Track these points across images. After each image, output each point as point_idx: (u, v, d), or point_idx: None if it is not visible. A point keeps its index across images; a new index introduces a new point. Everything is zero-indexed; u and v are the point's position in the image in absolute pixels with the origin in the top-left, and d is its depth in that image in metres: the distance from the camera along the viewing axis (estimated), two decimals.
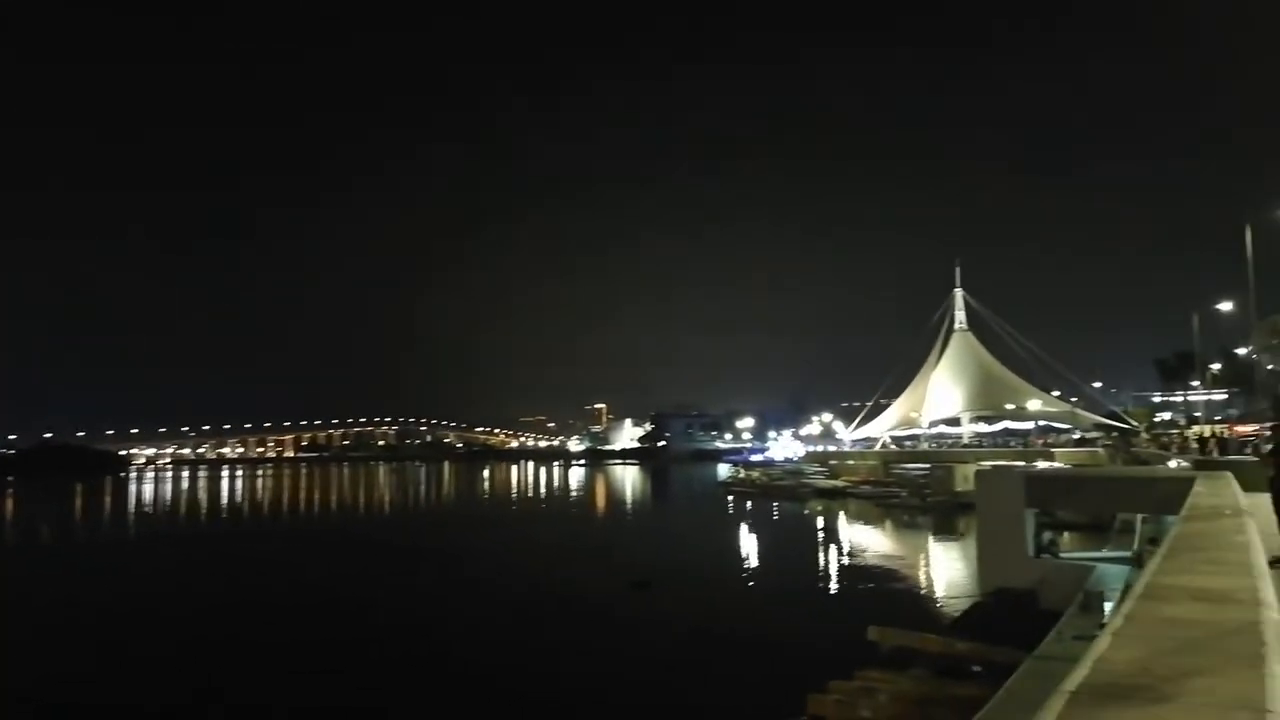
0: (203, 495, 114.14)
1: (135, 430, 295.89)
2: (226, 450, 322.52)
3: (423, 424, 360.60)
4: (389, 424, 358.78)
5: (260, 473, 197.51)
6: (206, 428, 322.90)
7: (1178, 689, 3.06)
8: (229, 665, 22.71)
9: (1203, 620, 4.21)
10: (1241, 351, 68.33)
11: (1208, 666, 3.33)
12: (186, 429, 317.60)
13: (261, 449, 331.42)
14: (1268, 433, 14.09)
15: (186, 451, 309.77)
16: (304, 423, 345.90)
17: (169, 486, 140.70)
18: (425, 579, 37.21)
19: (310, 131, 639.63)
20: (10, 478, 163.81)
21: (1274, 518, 12.41)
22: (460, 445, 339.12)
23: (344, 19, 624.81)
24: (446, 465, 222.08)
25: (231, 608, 31.16)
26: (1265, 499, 12.69)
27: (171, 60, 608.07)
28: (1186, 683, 3.14)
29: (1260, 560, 6.42)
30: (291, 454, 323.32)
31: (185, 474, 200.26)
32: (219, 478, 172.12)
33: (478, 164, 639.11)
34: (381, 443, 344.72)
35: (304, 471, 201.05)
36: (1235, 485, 14.69)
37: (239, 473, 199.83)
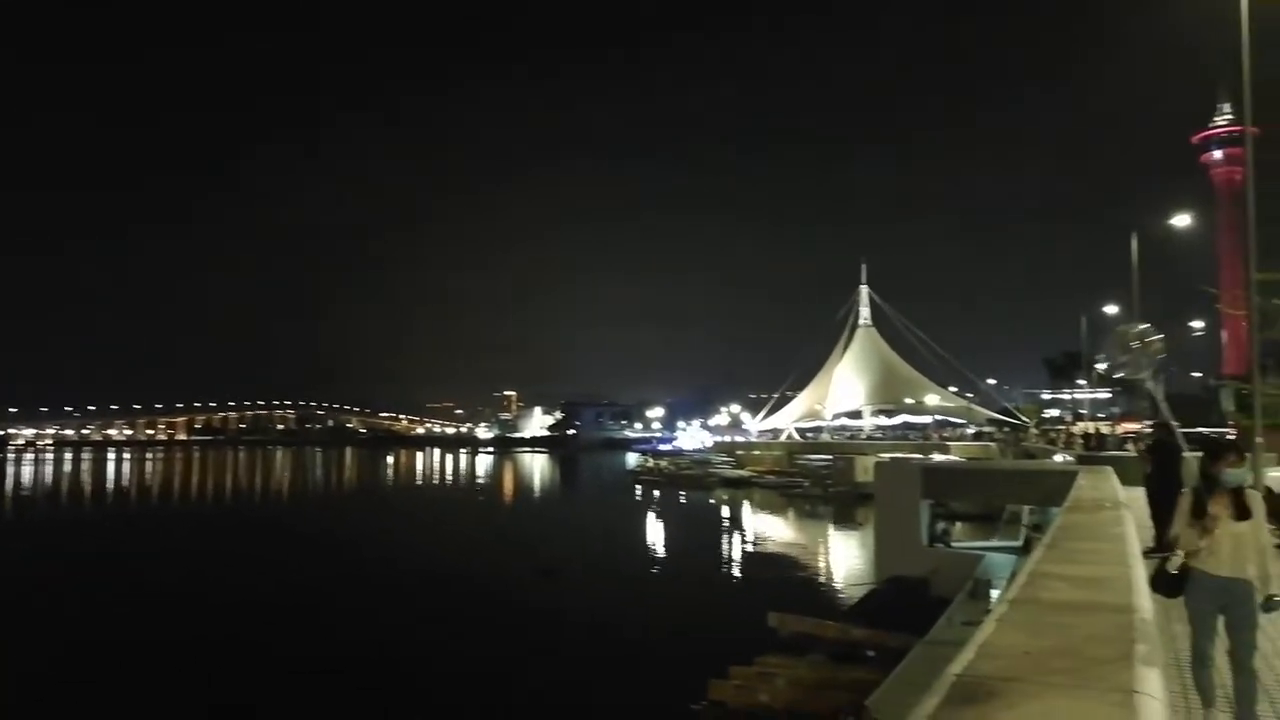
0: (87, 479, 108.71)
1: (14, 410, 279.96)
2: (114, 432, 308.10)
3: (323, 408, 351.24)
4: (288, 408, 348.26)
5: (149, 456, 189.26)
6: (93, 408, 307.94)
7: (1055, 672, 3.20)
8: (101, 661, 21.74)
9: (1080, 606, 4.42)
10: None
11: (1083, 650, 3.49)
12: (71, 409, 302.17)
13: (151, 431, 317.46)
14: (1148, 429, 14.87)
15: (70, 433, 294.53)
16: (197, 404, 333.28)
17: (50, 469, 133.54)
18: (323, 566, 36.27)
19: (219, 112, 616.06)
20: None
21: (1149, 510, 13.15)
22: (363, 431, 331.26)
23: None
24: (349, 451, 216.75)
25: (105, 599, 29.81)
26: (1141, 492, 13.42)
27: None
28: (1063, 665, 3.29)
29: (1135, 550, 6.77)
30: (184, 437, 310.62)
31: (69, 456, 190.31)
32: (104, 460, 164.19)
33: (385, 159, 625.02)
34: (280, 427, 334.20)
35: (196, 455, 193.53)
36: (1115, 479, 15.46)
37: (126, 456, 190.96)
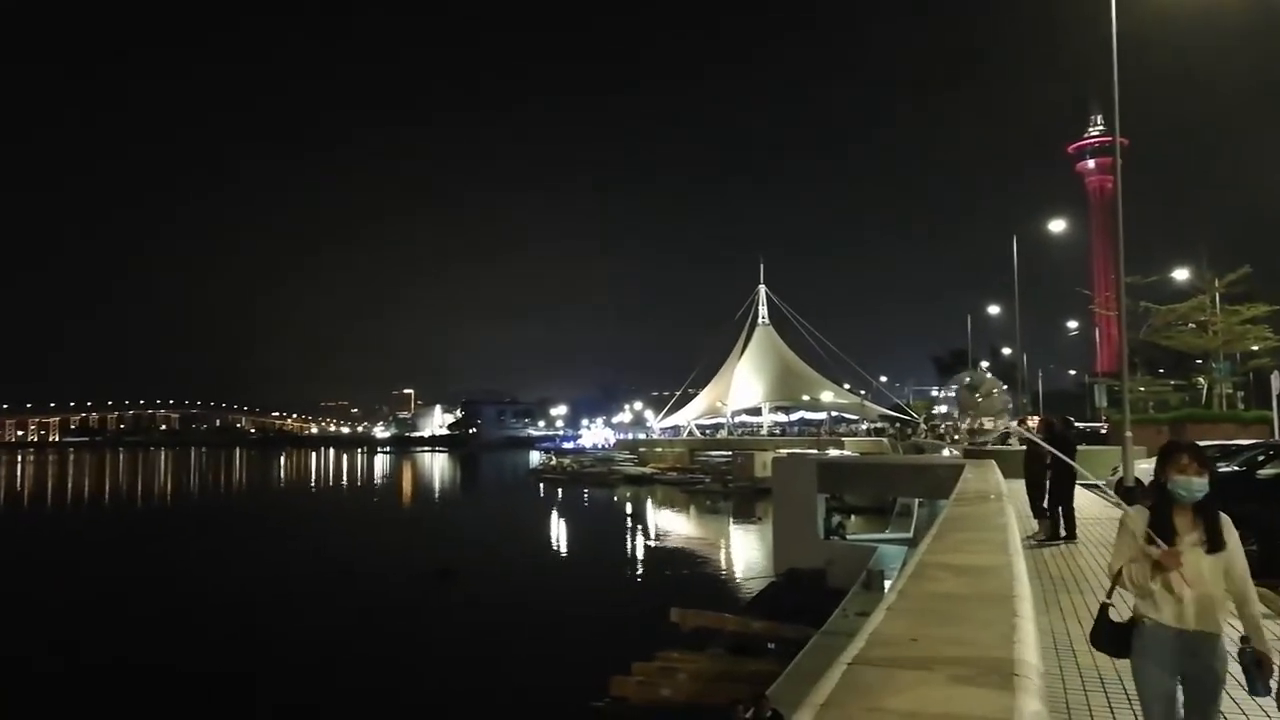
0: None
1: None
2: None
3: (210, 407, 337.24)
4: (172, 407, 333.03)
5: (20, 458, 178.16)
6: None
7: (940, 656, 3.34)
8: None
9: (965, 594, 4.61)
10: (1007, 351, 75.53)
11: (967, 635, 3.65)
12: None
13: (21, 432, 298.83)
14: (1033, 424, 15.55)
15: None
16: (73, 404, 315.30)
17: None
18: (209, 573, 34.80)
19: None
20: None
21: (1028, 500, 13.80)
22: (253, 431, 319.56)
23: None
24: (237, 451, 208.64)
25: None
26: (1022, 485, 14.08)
27: None
28: (948, 650, 3.42)
29: (1016, 539, 7.09)
30: (57, 438, 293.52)
31: None
32: None
33: (284, 147, 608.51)
34: (164, 427, 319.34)
35: (72, 457, 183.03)
36: (998, 472, 16.18)
37: None
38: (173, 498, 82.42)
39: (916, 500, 28.32)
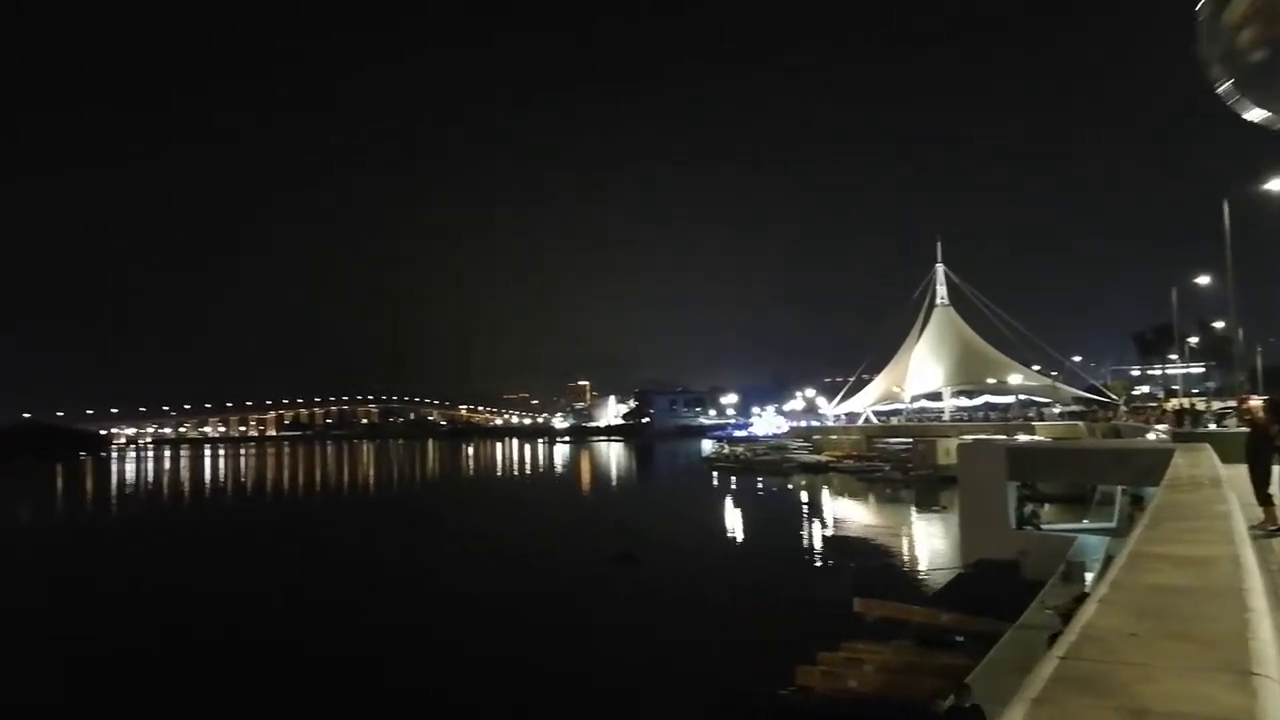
0: (186, 475, 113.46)
1: (115, 410, 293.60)
2: (208, 429, 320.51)
3: (404, 402, 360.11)
4: (372, 402, 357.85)
5: (243, 452, 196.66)
6: (188, 407, 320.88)
7: (1163, 653, 3.13)
8: (218, 652, 22.74)
9: (1187, 587, 4.29)
10: (1219, 325, 69.14)
11: (1193, 630, 3.41)
12: (167, 408, 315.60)
13: (244, 428, 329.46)
14: (1257, 404, 14.15)
15: (168, 431, 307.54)
16: (286, 401, 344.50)
17: (151, 466, 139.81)
18: (411, 557, 37.28)
19: (302, 113, 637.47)
20: None
21: (1252, 488, 12.61)
22: (444, 423, 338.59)
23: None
24: (430, 443, 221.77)
25: (220, 594, 31.16)
26: (1243, 470, 12.88)
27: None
28: (1172, 647, 3.21)
29: (1241, 528, 6.53)
30: (274, 433, 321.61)
31: (167, 453, 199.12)
32: (201, 457, 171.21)
33: (466, 148, 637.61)
34: (365, 421, 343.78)
35: (287, 450, 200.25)
36: (1214, 457, 14.89)
37: (221, 452, 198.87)
38: (376, 486, 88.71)
39: (1119, 487, 26.49)
